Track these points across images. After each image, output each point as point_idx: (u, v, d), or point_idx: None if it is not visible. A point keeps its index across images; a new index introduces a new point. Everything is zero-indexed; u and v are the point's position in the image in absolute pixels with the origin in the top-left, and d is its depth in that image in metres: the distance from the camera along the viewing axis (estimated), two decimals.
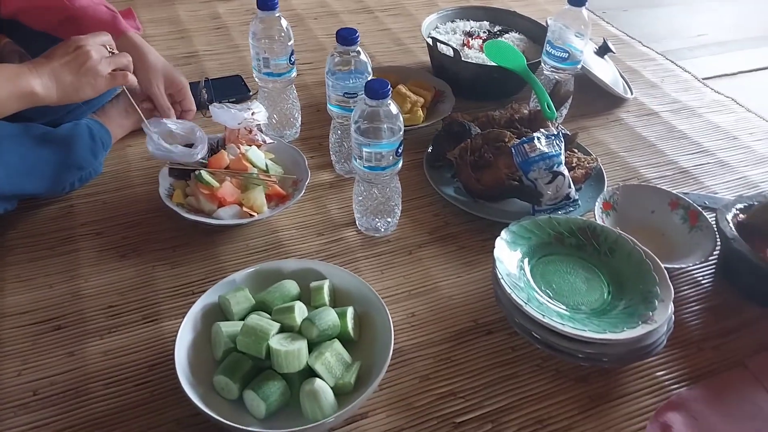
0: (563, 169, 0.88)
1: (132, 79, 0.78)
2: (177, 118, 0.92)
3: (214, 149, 0.92)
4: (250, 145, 0.92)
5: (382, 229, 0.86)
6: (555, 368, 0.69)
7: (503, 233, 0.77)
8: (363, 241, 0.85)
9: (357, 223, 0.87)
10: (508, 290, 0.69)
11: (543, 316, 0.66)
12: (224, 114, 0.92)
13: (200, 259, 0.80)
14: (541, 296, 0.71)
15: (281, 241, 0.84)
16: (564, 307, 0.71)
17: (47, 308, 0.72)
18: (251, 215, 0.83)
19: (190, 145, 0.86)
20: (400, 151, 0.81)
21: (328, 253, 0.83)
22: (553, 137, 0.90)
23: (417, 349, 0.71)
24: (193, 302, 0.67)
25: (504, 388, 0.67)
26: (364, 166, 0.80)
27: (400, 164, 0.82)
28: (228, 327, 0.64)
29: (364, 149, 0.79)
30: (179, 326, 0.64)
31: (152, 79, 0.88)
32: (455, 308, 0.76)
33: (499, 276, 0.71)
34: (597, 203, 0.87)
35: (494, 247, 0.74)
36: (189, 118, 0.94)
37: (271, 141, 0.96)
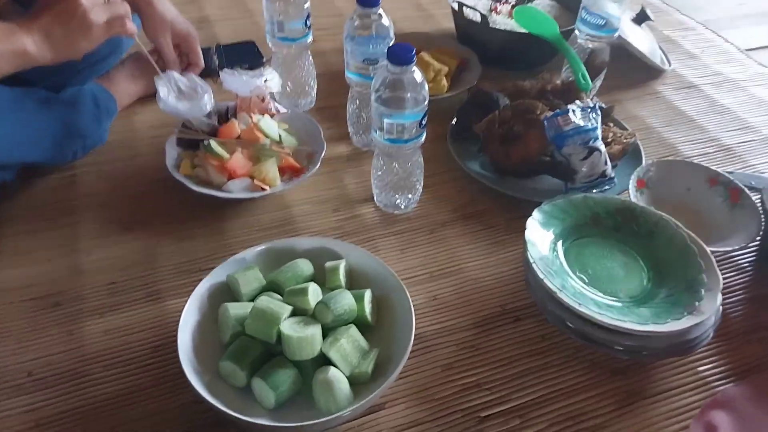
0: (599, 144, 0.81)
1: (131, 27, 0.71)
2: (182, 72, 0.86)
3: (224, 118, 0.86)
4: (263, 114, 0.87)
5: (402, 206, 0.81)
6: (589, 359, 0.64)
7: (535, 213, 0.71)
8: (381, 218, 0.80)
9: (375, 199, 0.82)
10: (541, 275, 0.63)
11: (579, 304, 0.61)
12: (236, 81, 0.86)
13: (208, 234, 0.75)
14: (576, 282, 0.66)
15: (294, 217, 0.79)
16: (600, 295, 0.65)
17: (45, 284, 0.68)
18: (263, 189, 0.78)
19: None
20: (423, 122, 0.74)
21: (344, 231, 0.77)
22: (589, 110, 0.83)
23: (439, 335, 0.66)
24: (200, 280, 0.62)
25: (533, 380, 0.62)
26: (384, 139, 0.74)
27: (423, 137, 0.76)
28: (236, 309, 0.59)
29: (385, 120, 0.73)
30: (184, 306, 0.59)
31: (159, 29, 0.81)
32: (481, 292, 0.71)
33: (531, 260, 0.65)
34: (631, 181, 0.81)
35: (524, 228, 0.68)
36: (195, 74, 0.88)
37: (285, 110, 0.90)
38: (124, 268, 0.70)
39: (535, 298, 0.67)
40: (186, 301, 0.59)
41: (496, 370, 0.63)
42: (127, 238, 0.74)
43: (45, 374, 0.59)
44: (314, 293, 0.60)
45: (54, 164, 0.82)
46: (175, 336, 0.57)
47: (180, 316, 0.58)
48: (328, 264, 0.65)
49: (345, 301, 0.59)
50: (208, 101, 0.80)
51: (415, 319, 0.59)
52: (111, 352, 0.61)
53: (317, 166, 0.81)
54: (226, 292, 0.63)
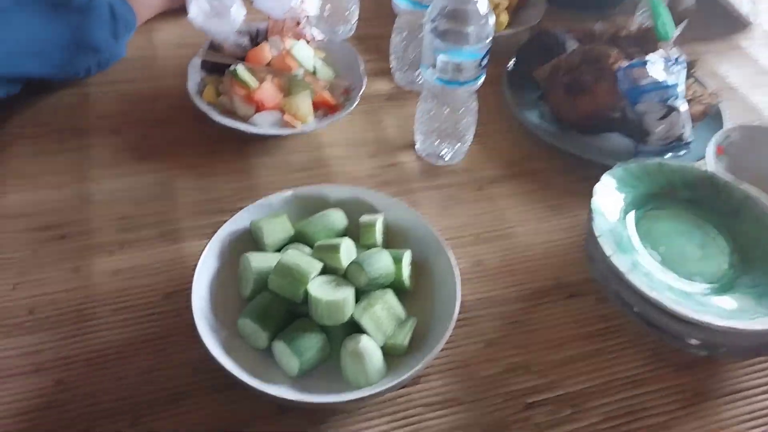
0: (680, 103, 0.71)
1: None
2: None
3: (253, 41, 0.77)
4: (297, 40, 0.77)
5: (448, 157, 0.72)
6: (652, 348, 0.56)
7: (604, 178, 0.62)
8: (423, 169, 0.71)
9: (417, 146, 0.73)
10: (608, 252, 0.55)
11: (651, 289, 0.52)
12: (269, 0, 0.76)
13: (231, 171, 0.68)
14: (647, 261, 0.57)
15: (326, 160, 0.71)
16: (674, 277, 0.56)
17: (51, 212, 0.61)
18: (294, 126, 0.69)
19: None
20: (484, 62, 0.64)
21: (380, 180, 0.69)
22: (671, 63, 0.72)
23: (483, 305, 0.58)
24: (220, 223, 0.55)
25: (588, 366, 0.55)
26: (436, 78, 0.65)
27: (482, 79, 0.66)
28: (259, 261, 0.52)
29: (440, 57, 0.63)
30: (202, 251, 0.52)
31: None
32: (533, 261, 0.63)
33: (597, 232, 0.56)
34: (709, 147, 0.71)
35: (584, 192, 0.59)
36: None
37: (322, 37, 0.80)
38: (138, 202, 0.63)
39: (595, 273, 0.59)
40: (204, 246, 0.52)
41: (546, 352, 0.55)
42: (142, 169, 0.66)
43: (47, 313, 0.53)
44: (347, 251, 0.52)
45: (64, 80, 0.74)
46: (190, 283, 0.51)
47: (196, 261, 0.51)
48: (364, 218, 0.57)
49: (382, 262, 0.51)
50: (236, 15, 0.70)
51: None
52: (120, 295, 0.55)
53: (355, 104, 0.72)
54: (249, 239, 0.56)
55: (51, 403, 0.47)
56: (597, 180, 0.61)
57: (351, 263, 0.51)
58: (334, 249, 0.51)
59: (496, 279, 0.61)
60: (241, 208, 0.62)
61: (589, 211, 0.58)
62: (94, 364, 0.50)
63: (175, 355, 0.51)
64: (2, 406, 0.46)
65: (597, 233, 0.56)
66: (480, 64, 0.64)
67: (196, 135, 0.71)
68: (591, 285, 0.61)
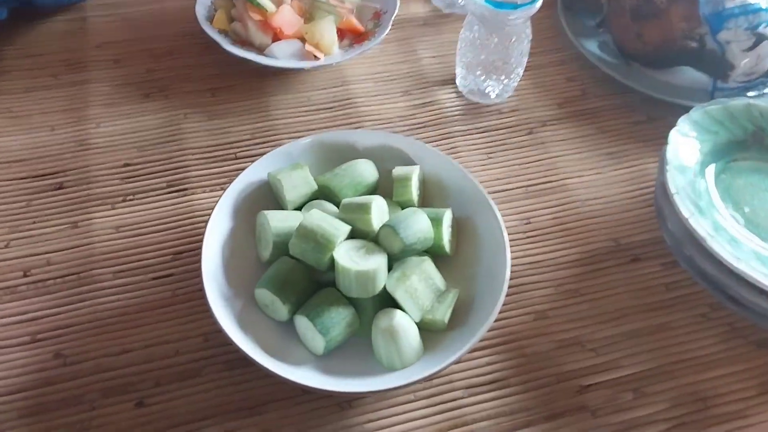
0: None
1: None
2: None
3: None
4: None
5: (493, 95, 0.62)
6: (727, 323, 0.49)
7: (681, 123, 0.52)
8: (464, 108, 0.62)
9: (458, 81, 0.63)
10: (686, 213, 0.46)
11: (738, 259, 0.44)
12: None
13: (246, 111, 0.59)
14: (729, 224, 0.49)
15: (353, 98, 0.62)
16: (759, 243, 0.48)
17: (46, 158, 0.55)
18: (316, 57, 0.60)
19: None
20: None
21: (414, 122, 0.61)
22: None
23: (532, 271, 0.51)
24: (234, 171, 0.48)
25: (652, 343, 0.48)
26: (486, 0, 0.54)
27: (539, 3, 0.55)
28: (278, 220, 0.45)
29: None
30: (214, 205, 0.46)
31: None
32: (589, 219, 0.55)
33: (672, 189, 0.48)
34: None
35: (651, 137, 0.51)
36: None
37: None
38: (142, 146, 0.56)
39: (666, 235, 0.51)
40: (217, 199, 0.46)
41: (604, 326, 0.48)
42: (146, 108, 0.59)
43: (44, 276, 0.47)
44: (379, 211, 0.45)
45: (57, 3, 0.65)
46: (201, 242, 0.44)
47: (208, 216, 0.45)
48: (398, 171, 0.49)
49: (419, 225, 0.44)
50: None
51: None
52: (123, 255, 0.49)
53: (386, 32, 0.62)
54: (266, 193, 0.49)
55: (50, 379, 0.42)
56: (665, 123, 0.52)
57: (383, 227, 0.44)
58: (364, 209, 0.44)
59: (546, 240, 0.53)
60: (256, 155, 0.56)
61: (662, 162, 0.50)
62: (95, 335, 0.44)
63: (185, 324, 0.46)
64: None
65: (672, 190, 0.48)
66: None
67: (207, 67, 0.63)
68: (656, 247, 0.53)
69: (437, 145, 0.59)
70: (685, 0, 0.61)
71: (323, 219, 0.43)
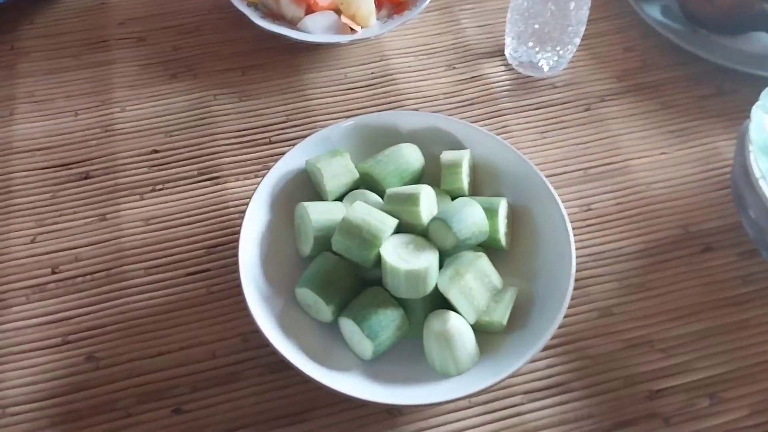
0: None
1: None
2: None
3: None
4: None
5: (546, 68, 0.57)
6: None
7: (765, 97, 0.46)
8: (515, 83, 0.57)
9: (507, 53, 0.58)
10: None
11: None
12: None
13: (279, 91, 0.55)
14: None
15: (393, 74, 0.57)
16: None
17: (71, 146, 0.52)
18: (353, 30, 0.55)
19: None
20: None
21: (460, 99, 0.56)
22: None
23: (593, 263, 0.47)
24: (269, 157, 0.45)
25: (728, 343, 0.43)
26: None
27: None
28: (319, 212, 0.41)
29: None
30: (248, 195, 0.42)
31: None
32: (655, 204, 0.50)
33: (757, 173, 0.42)
34: None
35: (727, 113, 0.46)
36: None
37: None
38: (170, 131, 0.52)
39: (746, 223, 0.46)
40: (251, 188, 0.42)
41: (674, 324, 0.44)
42: (173, 89, 0.55)
43: (72, 272, 0.45)
44: (428, 202, 0.41)
45: None
46: (238, 235, 0.41)
47: (244, 207, 0.42)
48: (446, 156, 0.45)
49: (473, 218, 0.40)
50: None
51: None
52: (154, 250, 0.46)
53: (427, 1, 0.57)
54: (305, 182, 0.45)
55: (82, 384, 0.40)
56: (737, 96, 0.46)
57: (434, 220, 0.40)
58: (413, 200, 0.40)
59: (609, 228, 0.49)
60: (292, 139, 0.52)
61: (743, 142, 0.44)
62: (128, 336, 0.42)
63: (222, 323, 0.43)
64: (27, 388, 0.40)
65: (757, 173, 0.43)
66: None
67: (236, 44, 0.58)
68: (731, 235, 0.48)
69: (486, 125, 0.54)
70: None
71: (368, 212, 0.39)
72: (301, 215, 0.42)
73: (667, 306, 0.45)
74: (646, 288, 0.46)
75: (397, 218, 0.40)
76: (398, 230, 0.40)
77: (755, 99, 0.46)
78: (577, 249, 0.47)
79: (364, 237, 0.39)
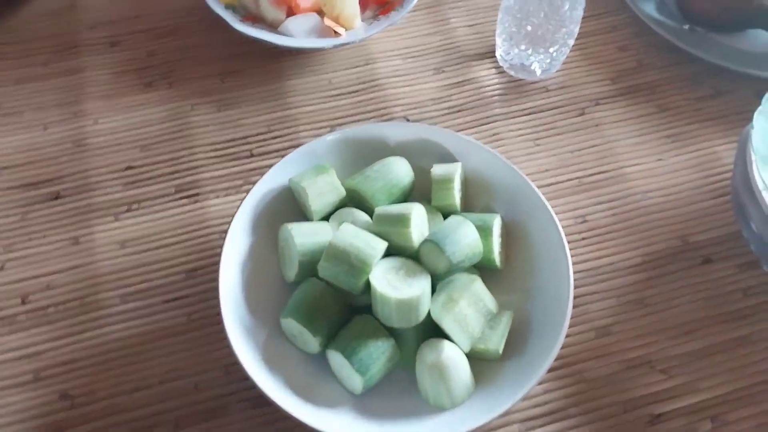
0: None
1: None
2: None
3: None
4: None
5: (539, 70, 0.55)
6: None
7: (767, 103, 0.44)
8: (505, 86, 0.55)
9: (498, 56, 0.56)
10: None
11: None
12: None
13: (260, 98, 0.53)
14: None
15: (379, 79, 0.55)
16: None
17: (40, 163, 0.49)
18: (336, 34, 0.53)
19: None
20: None
21: (449, 105, 0.53)
22: None
23: (590, 280, 0.45)
24: (250, 171, 0.43)
25: (731, 362, 0.42)
26: None
27: None
28: (304, 235, 0.39)
29: None
30: (230, 211, 0.40)
31: None
32: (652, 213, 0.48)
33: (760, 184, 0.41)
34: None
35: (726, 115, 0.44)
36: None
37: None
38: (146, 145, 0.50)
39: (747, 234, 0.44)
40: (233, 206, 0.40)
41: (675, 342, 0.43)
42: (149, 99, 0.52)
43: (44, 302, 0.42)
44: (419, 222, 0.39)
45: None
46: (219, 257, 0.39)
47: (225, 227, 0.40)
48: (437, 171, 0.43)
49: (466, 240, 0.38)
50: None
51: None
52: (130, 275, 0.44)
53: (414, 0, 0.55)
54: (290, 200, 0.43)
55: (57, 424, 0.38)
56: (736, 97, 0.45)
57: (425, 242, 0.38)
58: (403, 222, 0.38)
59: (605, 241, 0.47)
60: (274, 152, 0.50)
61: (744, 150, 0.43)
62: (104, 371, 0.40)
63: (204, 354, 0.41)
64: None
65: (761, 185, 0.41)
66: None
67: (215, 48, 0.56)
68: (730, 245, 0.47)
69: (476, 132, 0.52)
70: None
71: (356, 235, 0.37)
72: (285, 238, 0.40)
73: (667, 323, 0.43)
74: (645, 304, 0.44)
75: (387, 240, 0.38)
76: (388, 252, 0.38)
77: (753, 100, 0.45)
78: (573, 265, 0.45)
79: (352, 263, 0.36)
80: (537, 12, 0.50)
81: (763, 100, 0.45)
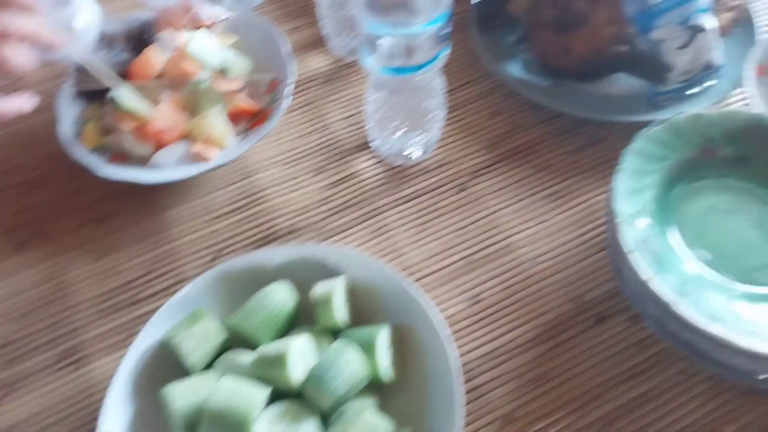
0: (706, 19, 0.54)
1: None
2: None
3: (137, 44, 0.58)
4: (196, 29, 0.58)
5: (416, 155, 0.55)
6: (708, 376, 0.44)
7: (626, 161, 0.46)
8: (387, 175, 0.55)
9: (374, 144, 0.56)
10: (645, 275, 0.41)
11: (713, 319, 0.39)
12: None
13: (139, 237, 0.52)
14: (695, 269, 0.43)
15: (261, 191, 0.55)
16: (727, 281, 0.42)
17: None
18: (207, 158, 0.52)
19: None
20: (446, 29, 0.46)
21: (335, 204, 0.54)
22: None
23: (488, 365, 0.45)
24: (135, 321, 0.41)
25: (638, 421, 0.42)
26: (382, 68, 0.47)
27: (446, 53, 0.48)
28: (183, 396, 0.38)
29: (382, 40, 0.45)
30: (115, 373, 0.39)
31: None
32: (543, 279, 0.49)
33: (625, 248, 0.42)
34: (746, 69, 0.54)
35: (598, 165, 0.47)
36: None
37: (227, 14, 0.61)
38: (23, 314, 0.48)
39: (627, 292, 0.45)
40: (119, 363, 0.39)
41: (581, 412, 0.43)
42: (21, 262, 0.50)
43: None
44: (298, 357, 0.38)
45: None
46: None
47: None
48: (317, 292, 0.42)
49: (348, 369, 0.38)
50: (86, 28, 0.48)
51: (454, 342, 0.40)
52: None
53: (286, 105, 0.55)
54: (170, 357, 0.41)
55: None
56: (608, 144, 0.46)
57: (307, 381, 0.37)
58: (279, 363, 0.37)
59: (499, 319, 0.47)
60: (159, 293, 0.49)
61: (610, 215, 0.44)
62: None
63: None
64: None
65: (625, 249, 0.42)
66: (440, 34, 0.46)
67: (87, 193, 0.54)
68: (618, 300, 0.47)
69: (364, 227, 0.52)
70: (609, 1, 0.55)
71: (232, 391, 0.37)
72: (165, 404, 0.38)
73: (571, 394, 0.44)
74: (546, 379, 0.44)
75: (269, 383, 0.38)
76: (275, 394, 0.38)
77: (626, 143, 0.46)
78: (469, 351, 0.45)
79: (231, 421, 0.36)
80: (396, 105, 0.51)
81: (622, 158, 0.46)
